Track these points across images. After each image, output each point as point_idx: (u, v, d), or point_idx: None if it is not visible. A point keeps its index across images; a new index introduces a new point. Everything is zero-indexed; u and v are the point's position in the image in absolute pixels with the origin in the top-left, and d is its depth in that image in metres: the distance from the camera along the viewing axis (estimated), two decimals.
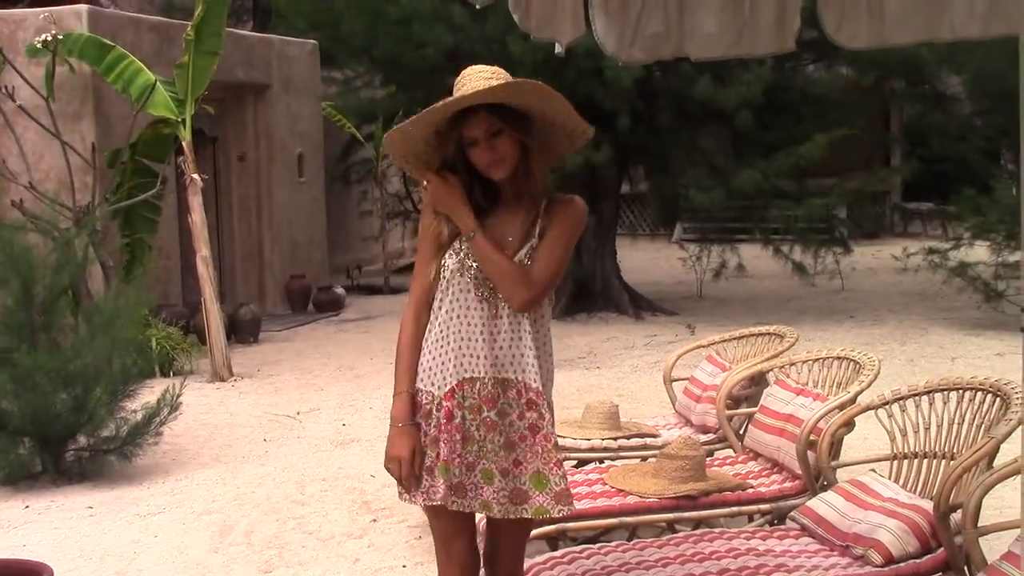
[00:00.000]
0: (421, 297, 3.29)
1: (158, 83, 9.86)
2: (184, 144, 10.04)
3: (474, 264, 3.20)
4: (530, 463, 3.20)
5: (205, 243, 10.09)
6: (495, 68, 3.21)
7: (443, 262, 3.23)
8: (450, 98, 3.10)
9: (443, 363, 3.21)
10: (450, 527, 3.29)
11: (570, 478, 4.67)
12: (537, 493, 3.19)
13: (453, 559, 3.30)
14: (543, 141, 3.24)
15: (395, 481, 3.28)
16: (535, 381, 3.21)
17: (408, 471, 3.21)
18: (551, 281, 3.23)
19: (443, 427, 3.18)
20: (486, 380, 3.18)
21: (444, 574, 3.33)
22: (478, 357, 3.19)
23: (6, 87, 10.00)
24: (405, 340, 3.30)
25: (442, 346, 3.22)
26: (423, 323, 3.28)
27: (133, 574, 5.18)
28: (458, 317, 3.21)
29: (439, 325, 3.23)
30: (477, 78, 3.15)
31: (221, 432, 8.03)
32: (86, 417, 6.71)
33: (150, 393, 7.29)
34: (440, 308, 3.23)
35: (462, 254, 3.22)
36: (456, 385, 3.19)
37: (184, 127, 10.01)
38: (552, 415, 3.28)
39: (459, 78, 3.19)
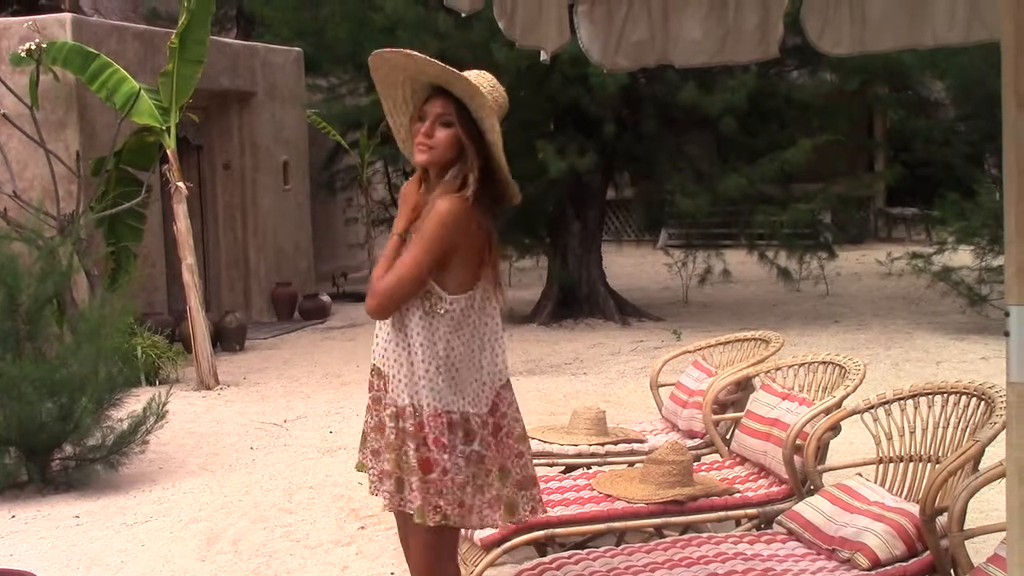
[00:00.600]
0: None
1: (142, 91, 9.85)
2: (169, 152, 10.03)
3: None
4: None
5: (190, 251, 10.07)
6: (492, 80, 3.28)
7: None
8: (440, 63, 3.17)
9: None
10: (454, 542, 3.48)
11: (557, 483, 4.72)
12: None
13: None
14: (487, 173, 3.25)
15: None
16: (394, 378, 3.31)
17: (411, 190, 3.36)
18: (392, 289, 3.19)
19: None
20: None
21: None
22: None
23: None
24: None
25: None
26: None
27: None
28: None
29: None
30: (478, 78, 3.23)
31: (208, 440, 8.02)
32: (72, 426, 6.69)
33: (136, 402, 7.28)
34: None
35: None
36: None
37: (169, 135, 10.00)
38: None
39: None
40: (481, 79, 3.24)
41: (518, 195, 3.33)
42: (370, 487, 3.47)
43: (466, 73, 3.22)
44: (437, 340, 3.22)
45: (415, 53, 3.19)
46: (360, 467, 3.49)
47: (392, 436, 3.28)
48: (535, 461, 5.28)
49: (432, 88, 3.24)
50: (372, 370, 3.40)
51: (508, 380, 3.40)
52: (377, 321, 3.33)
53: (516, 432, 3.38)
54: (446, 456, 3.21)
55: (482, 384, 3.29)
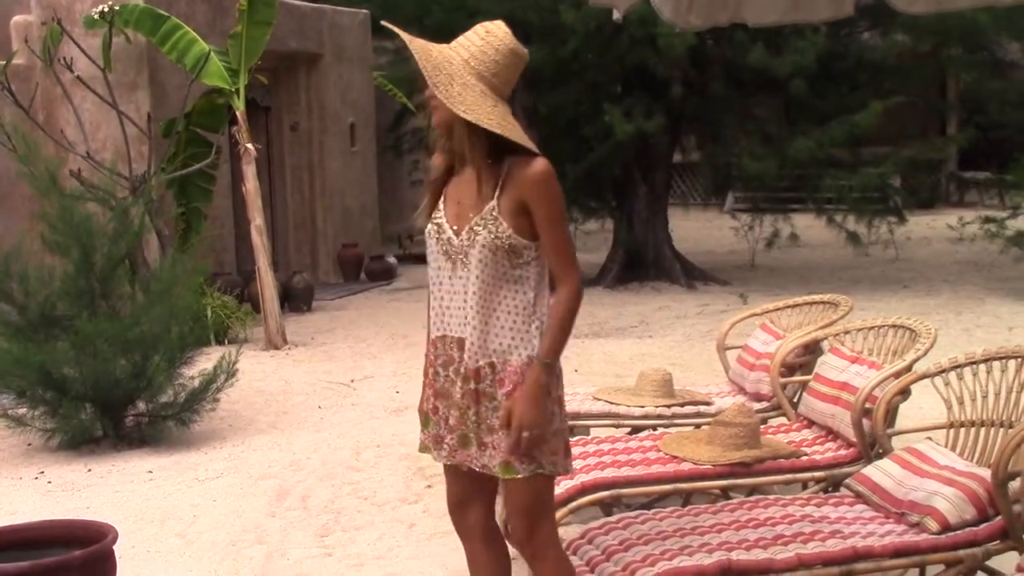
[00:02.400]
0: None
1: (212, 53, 9.92)
2: (238, 114, 10.11)
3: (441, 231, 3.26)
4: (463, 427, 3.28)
5: (259, 212, 10.17)
6: (494, 30, 3.16)
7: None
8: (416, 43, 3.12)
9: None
10: (456, 491, 3.45)
11: (624, 444, 4.73)
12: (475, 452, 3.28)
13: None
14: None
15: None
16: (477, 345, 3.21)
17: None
18: (571, 260, 3.19)
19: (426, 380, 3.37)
20: (451, 339, 3.28)
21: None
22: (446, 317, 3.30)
23: (64, 58, 10.11)
24: None
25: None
26: None
27: (193, 536, 5.26)
28: (434, 276, 3.32)
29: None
30: (467, 34, 3.17)
31: (276, 399, 8.12)
32: (145, 383, 6.82)
33: (206, 361, 7.39)
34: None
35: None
36: (435, 339, 3.33)
37: (238, 97, 10.07)
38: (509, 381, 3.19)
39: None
40: (461, 43, 3.15)
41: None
42: (441, 456, 3.38)
43: (478, 29, 3.15)
44: (528, 290, 3.19)
45: (416, 55, 3.12)
46: (424, 449, 3.43)
47: (483, 398, 3.23)
48: (602, 422, 5.37)
49: None
50: (441, 341, 3.30)
51: None
52: (440, 292, 3.28)
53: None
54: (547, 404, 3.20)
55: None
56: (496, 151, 3.14)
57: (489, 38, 3.13)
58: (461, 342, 3.23)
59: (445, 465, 3.42)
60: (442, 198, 3.30)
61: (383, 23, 3.25)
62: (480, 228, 3.16)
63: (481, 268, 3.17)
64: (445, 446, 3.34)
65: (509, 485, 3.25)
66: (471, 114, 3.06)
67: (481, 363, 3.20)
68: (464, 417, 3.25)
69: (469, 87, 3.09)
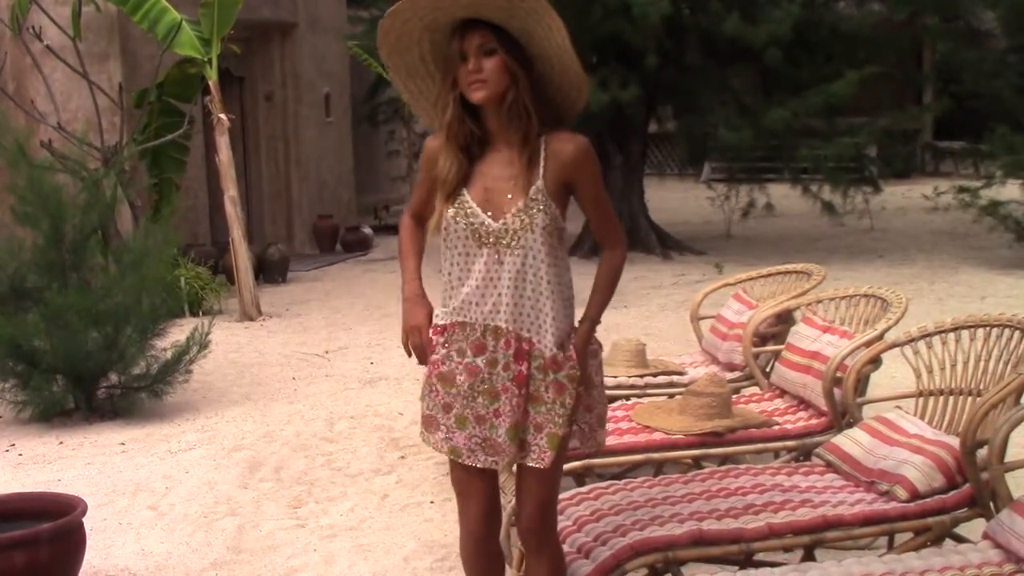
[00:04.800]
0: (419, 209, 3.34)
1: (184, 22, 9.83)
2: (211, 84, 10.03)
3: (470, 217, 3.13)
4: (507, 416, 3.11)
5: (233, 183, 10.11)
6: None
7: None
8: None
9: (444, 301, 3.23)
10: (464, 481, 3.26)
11: None
12: (510, 445, 3.12)
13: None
14: (540, 91, 3.10)
15: (419, 421, 3.27)
16: (527, 331, 3.12)
17: (427, 338, 3.21)
18: (620, 228, 3.29)
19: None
20: (477, 327, 3.15)
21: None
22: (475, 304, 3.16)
23: (33, 27, 10.00)
24: (406, 233, 3.39)
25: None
26: (422, 221, 3.33)
27: (165, 508, 5.25)
28: (459, 262, 3.17)
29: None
30: None
31: (250, 370, 8.10)
32: (117, 355, 6.78)
33: (179, 332, 7.36)
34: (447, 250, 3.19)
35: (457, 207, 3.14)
36: (448, 325, 3.19)
37: (210, 66, 9.99)
38: (566, 367, 3.14)
39: None
40: None
41: (586, 94, 3.20)
42: (474, 459, 3.18)
43: None
44: (564, 271, 3.20)
45: None
46: (455, 453, 3.21)
47: (543, 390, 3.12)
48: None
49: (455, 28, 3.04)
50: (462, 328, 3.16)
51: None
52: (471, 279, 3.14)
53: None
54: (597, 383, 3.27)
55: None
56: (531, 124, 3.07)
57: None
58: (497, 331, 3.12)
59: (473, 472, 3.20)
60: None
61: None
62: (535, 211, 3.06)
63: (545, 251, 3.09)
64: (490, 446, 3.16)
65: (537, 474, 3.17)
66: (568, 54, 3.07)
67: (556, 350, 3.12)
68: (534, 410, 3.14)
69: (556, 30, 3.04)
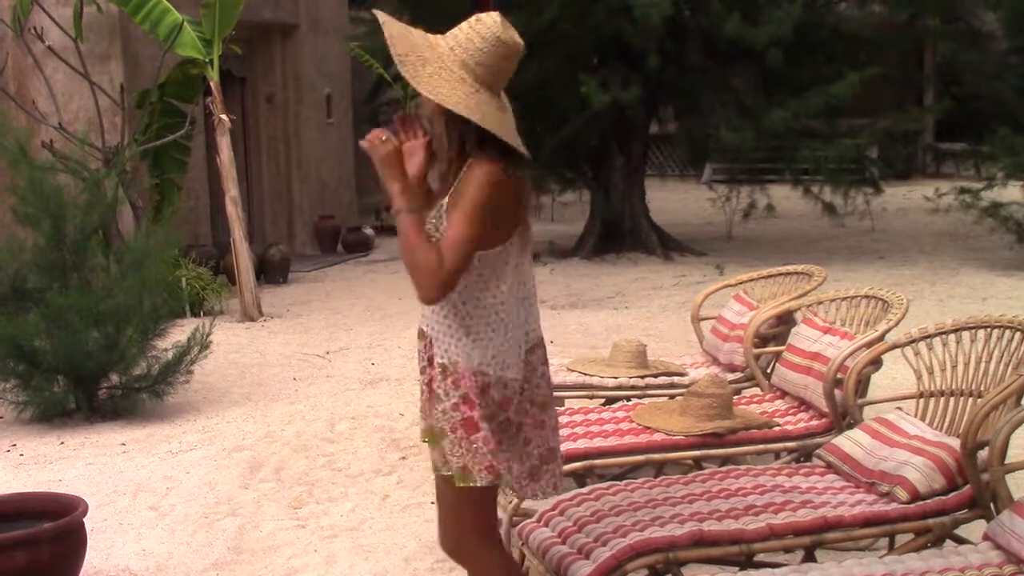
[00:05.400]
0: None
1: (185, 23, 9.84)
2: (212, 84, 10.03)
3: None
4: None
5: (234, 183, 10.11)
6: (484, 19, 3.03)
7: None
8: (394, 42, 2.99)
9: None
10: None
11: (597, 416, 4.73)
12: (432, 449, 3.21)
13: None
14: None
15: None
16: (430, 333, 3.17)
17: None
18: (456, 266, 2.96)
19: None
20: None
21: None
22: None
23: (35, 28, 10.00)
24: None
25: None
26: None
27: (166, 509, 5.25)
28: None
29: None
30: (460, 24, 3.02)
31: (251, 371, 8.10)
32: (118, 356, 6.78)
33: (180, 332, 7.35)
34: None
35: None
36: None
37: (212, 67, 9.99)
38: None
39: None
40: (452, 32, 3.03)
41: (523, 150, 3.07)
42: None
43: (456, 29, 3.03)
44: (469, 298, 3.09)
45: (387, 35, 3.00)
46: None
47: (437, 393, 3.16)
48: (576, 393, 5.36)
49: None
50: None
51: (541, 339, 3.25)
52: None
53: (538, 399, 3.21)
54: (476, 416, 3.08)
55: (516, 345, 3.15)
56: (467, 150, 3.02)
57: (478, 26, 3.01)
58: (421, 332, 3.26)
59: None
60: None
61: (374, 12, 3.14)
62: (430, 225, 3.06)
63: None
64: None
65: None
66: (437, 96, 2.94)
67: (444, 361, 3.16)
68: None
69: (446, 71, 2.97)
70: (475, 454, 3.09)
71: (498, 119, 3.01)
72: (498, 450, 3.11)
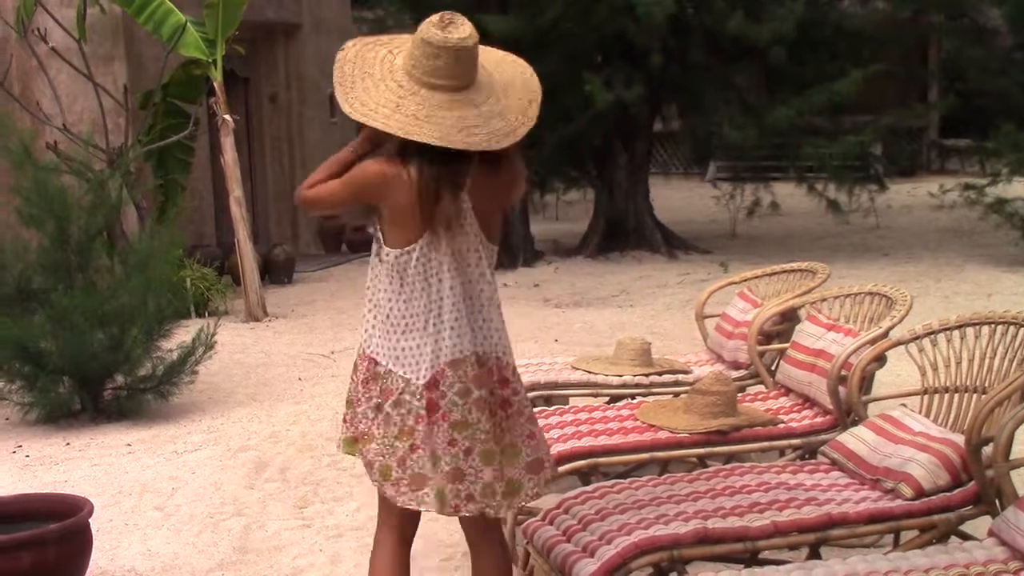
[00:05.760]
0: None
1: (188, 24, 9.85)
2: (215, 85, 10.04)
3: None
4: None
5: (238, 183, 10.12)
6: (427, 20, 3.06)
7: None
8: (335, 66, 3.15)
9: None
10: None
11: (601, 414, 4.73)
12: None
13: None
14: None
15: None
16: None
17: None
18: (313, 195, 3.25)
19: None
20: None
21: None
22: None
23: (38, 29, 10.01)
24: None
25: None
26: None
27: (171, 509, 5.26)
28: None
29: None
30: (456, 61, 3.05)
31: (256, 371, 8.11)
32: (123, 356, 6.79)
33: (185, 333, 7.36)
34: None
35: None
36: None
37: (215, 68, 10.00)
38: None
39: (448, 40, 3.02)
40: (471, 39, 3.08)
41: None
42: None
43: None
44: (379, 288, 3.24)
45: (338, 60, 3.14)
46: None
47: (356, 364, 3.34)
48: (580, 391, 5.36)
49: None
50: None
51: (465, 359, 3.13)
52: None
53: (453, 417, 3.10)
54: (362, 399, 3.21)
55: (420, 351, 3.13)
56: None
57: (420, 27, 3.07)
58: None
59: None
60: None
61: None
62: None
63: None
64: None
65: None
66: (344, 103, 3.07)
67: (356, 357, 3.35)
68: None
69: (386, 81, 3.08)
70: (357, 426, 3.25)
71: (405, 120, 3.02)
72: (385, 449, 3.17)
